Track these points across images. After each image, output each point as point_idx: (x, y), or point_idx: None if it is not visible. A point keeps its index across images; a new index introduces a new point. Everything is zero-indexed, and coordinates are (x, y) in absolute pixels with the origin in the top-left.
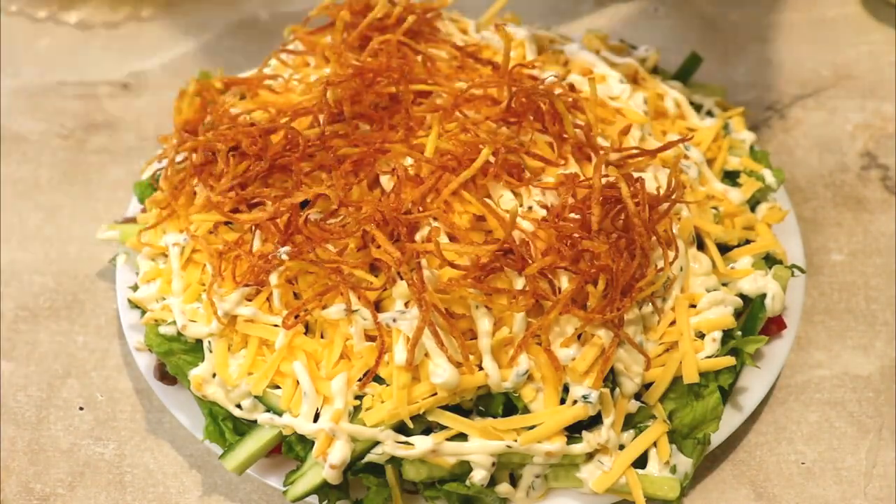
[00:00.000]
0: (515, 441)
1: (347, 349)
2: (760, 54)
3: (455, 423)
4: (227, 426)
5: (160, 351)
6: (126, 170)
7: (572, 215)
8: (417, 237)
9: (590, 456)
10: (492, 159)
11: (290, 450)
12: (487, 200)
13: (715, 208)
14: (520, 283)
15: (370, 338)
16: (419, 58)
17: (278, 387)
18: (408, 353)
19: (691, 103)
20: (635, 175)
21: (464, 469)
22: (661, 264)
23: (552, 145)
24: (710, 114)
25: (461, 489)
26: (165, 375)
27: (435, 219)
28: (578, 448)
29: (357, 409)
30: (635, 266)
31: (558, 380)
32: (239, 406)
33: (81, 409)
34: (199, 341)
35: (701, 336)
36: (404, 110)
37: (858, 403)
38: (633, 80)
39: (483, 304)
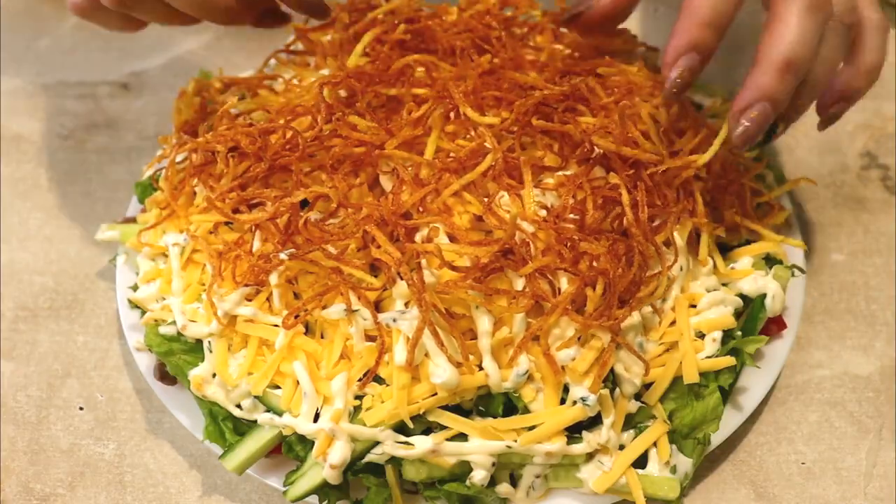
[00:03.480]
0: (515, 441)
1: (347, 349)
2: None
3: (455, 423)
4: (227, 426)
5: (160, 351)
6: (126, 170)
7: (571, 216)
8: (417, 237)
9: (590, 456)
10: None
11: (290, 450)
12: (486, 200)
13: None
14: (520, 284)
15: (370, 338)
16: (416, 57)
17: (278, 387)
18: (408, 354)
19: (692, 103)
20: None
21: (464, 469)
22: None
23: (551, 147)
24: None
25: (461, 489)
26: (165, 375)
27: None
28: (578, 448)
29: (357, 409)
30: (634, 271)
31: (558, 380)
32: (239, 406)
33: (81, 409)
34: (199, 341)
35: (701, 336)
36: (406, 112)
37: (858, 403)
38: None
39: (482, 305)
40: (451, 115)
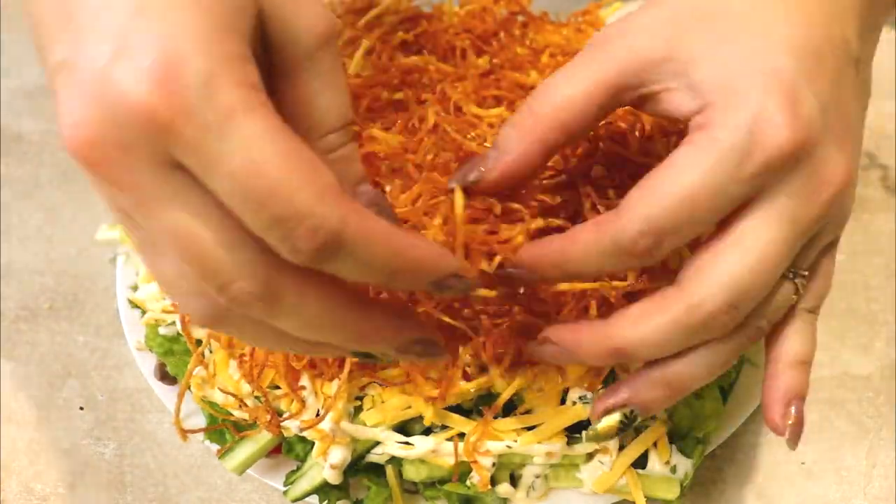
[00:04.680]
0: (515, 441)
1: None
2: None
3: (455, 423)
4: (228, 426)
5: (160, 351)
6: None
7: None
8: None
9: (590, 456)
10: None
11: (290, 450)
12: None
13: None
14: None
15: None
16: (416, 59)
17: (278, 387)
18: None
19: None
20: None
21: (464, 469)
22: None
23: None
24: None
25: (461, 489)
26: (166, 375)
27: None
28: (578, 448)
29: (358, 409)
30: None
31: (558, 381)
32: (239, 406)
33: (81, 408)
34: (199, 342)
35: None
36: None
37: (858, 403)
38: None
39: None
40: (452, 114)
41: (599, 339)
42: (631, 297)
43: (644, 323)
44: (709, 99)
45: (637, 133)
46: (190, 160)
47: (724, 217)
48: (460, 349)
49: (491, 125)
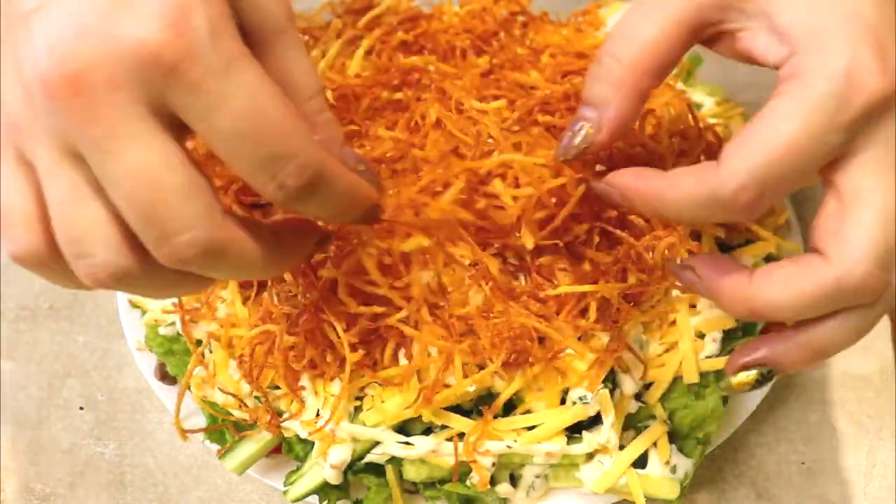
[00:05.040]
0: (515, 441)
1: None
2: None
3: (455, 422)
4: (228, 426)
5: (160, 351)
6: None
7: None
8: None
9: (590, 456)
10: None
11: (290, 450)
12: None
13: None
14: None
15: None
16: (416, 59)
17: (278, 387)
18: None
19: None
20: None
21: (464, 469)
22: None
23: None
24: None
25: (461, 489)
26: (166, 375)
27: None
28: (578, 448)
29: (357, 409)
30: (635, 275)
31: (558, 381)
32: (239, 406)
33: (82, 408)
34: (199, 342)
35: (701, 336)
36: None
37: (858, 403)
38: None
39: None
40: (454, 111)
41: (741, 294)
42: (630, 297)
43: (790, 288)
44: (797, 45)
45: (643, 132)
46: (188, 100)
47: (822, 167)
48: (456, 351)
49: (495, 119)
